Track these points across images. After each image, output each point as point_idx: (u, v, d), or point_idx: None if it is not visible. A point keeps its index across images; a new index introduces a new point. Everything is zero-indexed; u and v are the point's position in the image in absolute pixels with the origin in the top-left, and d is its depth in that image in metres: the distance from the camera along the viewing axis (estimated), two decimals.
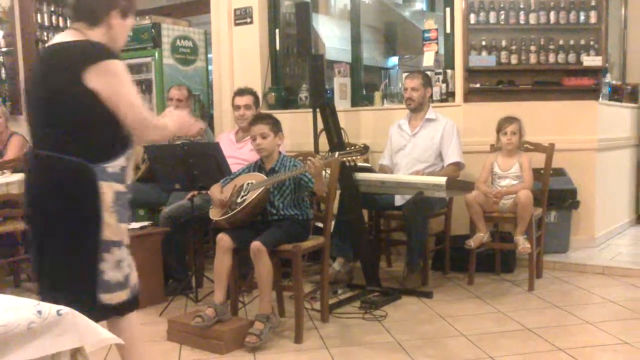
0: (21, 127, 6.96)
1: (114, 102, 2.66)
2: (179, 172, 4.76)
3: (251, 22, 7.33)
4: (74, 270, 2.72)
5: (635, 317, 4.35)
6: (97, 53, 2.67)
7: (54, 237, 2.71)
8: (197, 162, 4.70)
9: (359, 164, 5.13)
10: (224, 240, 4.04)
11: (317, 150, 5.68)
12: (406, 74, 6.06)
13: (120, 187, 2.77)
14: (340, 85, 6.75)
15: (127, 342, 2.70)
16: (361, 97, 6.89)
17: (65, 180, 2.68)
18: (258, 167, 4.33)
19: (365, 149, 4.14)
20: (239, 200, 4.11)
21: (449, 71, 6.18)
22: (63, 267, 2.72)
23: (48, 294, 2.64)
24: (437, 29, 6.32)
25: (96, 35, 2.76)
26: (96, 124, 2.70)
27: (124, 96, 2.69)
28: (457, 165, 5.33)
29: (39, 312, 1.79)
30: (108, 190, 2.71)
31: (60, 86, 2.67)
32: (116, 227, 2.75)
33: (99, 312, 2.67)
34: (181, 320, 4.12)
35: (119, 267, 2.81)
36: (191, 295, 4.86)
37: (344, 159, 4.07)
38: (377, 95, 6.72)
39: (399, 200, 5.26)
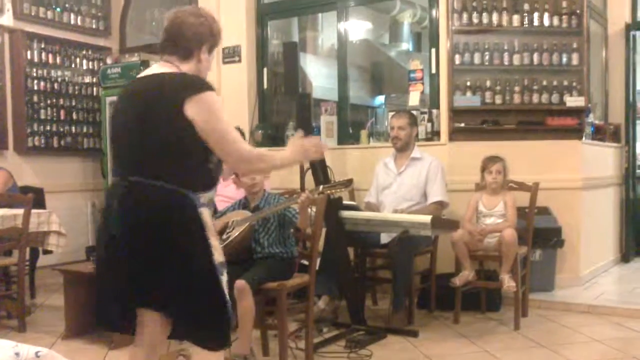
0: (6, 162, 6.98)
1: (207, 132, 2.68)
2: None
3: (239, 61, 7.40)
4: (200, 295, 2.71)
5: (621, 356, 4.34)
6: (198, 84, 2.73)
7: (166, 265, 2.66)
8: None
9: (345, 202, 5.18)
10: None
11: (302, 189, 5.69)
12: (392, 112, 6.12)
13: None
14: (327, 123, 6.80)
15: None
16: (347, 135, 6.95)
17: (173, 208, 2.67)
18: (243, 205, 4.34)
19: (349, 182, 4.17)
20: (223, 237, 4.11)
21: (434, 111, 6.25)
22: (187, 294, 2.69)
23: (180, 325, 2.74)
24: (422, 69, 6.41)
25: (187, 68, 2.83)
26: (193, 154, 2.72)
27: (217, 127, 2.71)
28: (440, 204, 5.36)
29: (17, 354, 1.76)
30: (207, 217, 2.76)
31: (161, 115, 2.69)
32: (220, 250, 2.80)
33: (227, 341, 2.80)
34: (164, 359, 4.09)
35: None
36: None
37: (328, 192, 4.09)
38: (364, 133, 6.77)
39: (384, 238, 5.26)
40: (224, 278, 2.78)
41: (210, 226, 2.76)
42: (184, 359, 3.89)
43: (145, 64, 7.31)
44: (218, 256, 2.76)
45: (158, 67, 2.86)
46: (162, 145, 2.69)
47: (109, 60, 8.06)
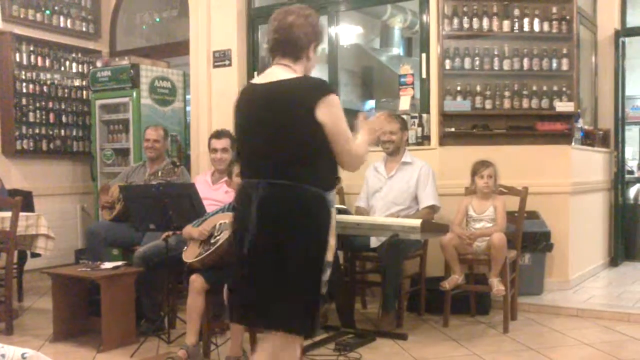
0: None
1: (334, 133, 2.82)
2: (154, 213, 4.74)
3: (230, 65, 7.40)
4: (308, 293, 2.84)
5: (609, 359, 4.36)
6: (324, 88, 2.87)
7: (289, 259, 2.79)
8: (173, 202, 4.68)
9: (336, 206, 5.16)
10: (197, 281, 4.03)
11: None
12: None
13: None
14: None
15: None
16: None
17: (311, 208, 2.81)
18: (232, 208, 4.32)
19: (338, 179, 4.14)
20: (212, 240, 4.10)
21: (424, 115, 6.26)
22: (295, 288, 2.82)
23: (266, 316, 2.85)
24: (413, 74, 6.43)
25: (299, 68, 2.95)
26: (323, 155, 2.86)
27: (342, 128, 2.85)
28: (432, 208, 5.37)
29: (3, 355, 1.76)
30: (334, 216, 2.90)
31: (294, 120, 2.82)
32: (333, 249, 2.90)
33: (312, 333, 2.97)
34: None
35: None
36: (163, 336, 4.80)
37: None
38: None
39: (374, 242, 5.26)
40: (327, 275, 2.88)
41: (334, 225, 2.88)
42: None
43: (135, 67, 7.31)
44: (330, 255, 2.87)
45: (277, 70, 2.94)
46: (298, 148, 2.83)
47: (98, 64, 8.03)
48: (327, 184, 2.89)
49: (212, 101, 7.47)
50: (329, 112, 2.80)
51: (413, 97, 6.44)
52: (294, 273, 2.79)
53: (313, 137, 2.81)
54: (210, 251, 4.07)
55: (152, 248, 5.05)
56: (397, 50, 9.34)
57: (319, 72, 7.93)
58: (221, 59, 7.45)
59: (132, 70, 7.34)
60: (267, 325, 2.93)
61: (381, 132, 3.18)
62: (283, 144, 2.84)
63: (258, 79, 3.05)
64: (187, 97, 7.89)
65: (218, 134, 5.44)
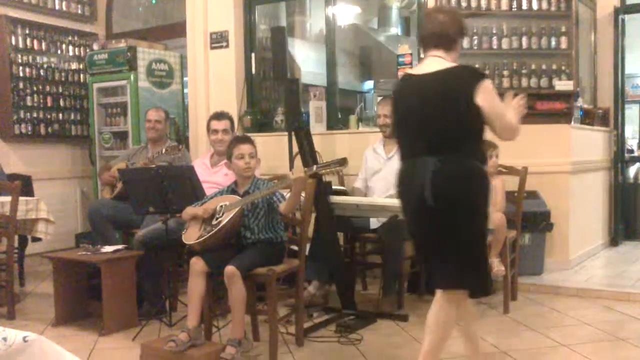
0: None
1: (492, 113, 3.17)
2: (153, 195, 4.73)
3: (227, 46, 7.37)
4: (479, 256, 3.30)
5: (609, 339, 4.37)
6: (479, 74, 3.27)
7: (464, 227, 3.20)
8: (172, 185, 4.68)
9: (335, 187, 5.17)
10: (197, 264, 4.01)
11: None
12: (381, 97, 6.10)
13: None
14: (315, 108, 6.78)
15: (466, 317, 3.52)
16: (336, 120, 6.93)
17: (477, 179, 3.23)
18: (231, 190, 4.32)
19: (343, 161, 4.14)
20: (213, 222, 4.10)
21: None
22: (480, 248, 3.30)
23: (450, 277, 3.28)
24: (411, 54, 6.38)
25: (451, 58, 3.35)
26: (481, 134, 3.28)
27: (498, 107, 3.21)
28: None
29: (4, 339, 1.75)
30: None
31: (460, 104, 3.17)
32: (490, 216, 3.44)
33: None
34: (154, 345, 4.08)
35: None
36: (165, 319, 4.81)
37: (322, 172, 4.08)
38: (353, 118, 6.76)
39: (374, 223, 5.26)
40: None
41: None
42: (174, 344, 3.87)
43: (132, 50, 7.27)
44: (489, 224, 3.40)
45: (434, 61, 3.32)
46: (463, 128, 3.22)
47: (95, 47, 8.00)
48: (484, 158, 3.34)
49: (210, 83, 7.45)
50: (485, 96, 3.16)
51: None
52: (471, 232, 3.25)
53: (475, 117, 3.18)
54: (212, 232, 4.05)
55: (152, 231, 5.05)
56: (395, 29, 9.30)
57: (316, 51, 7.91)
58: (218, 40, 7.41)
59: (129, 53, 7.31)
60: (446, 286, 3.32)
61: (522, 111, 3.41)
62: (450, 124, 3.22)
63: (416, 70, 3.47)
64: (185, 79, 7.86)
65: (218, 116, 5.43)
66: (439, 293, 3.36)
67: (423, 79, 3.32)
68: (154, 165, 5.11)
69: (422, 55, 6.24)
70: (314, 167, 4.10)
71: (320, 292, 5.22)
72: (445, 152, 3.19)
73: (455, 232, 3.20)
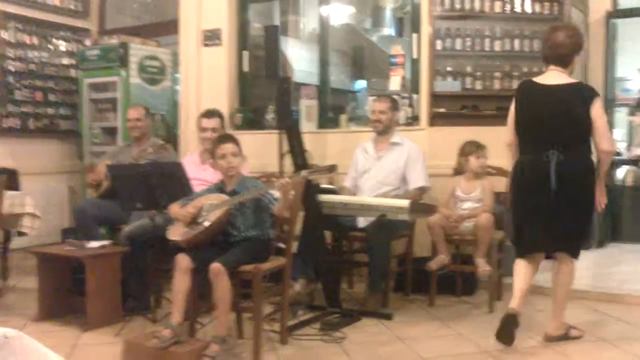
0: None
1: (599, 125, 4.06)
2: (141, 192, 4.71)
3: (220, 44, 7.36)
4: (590, 223, 4.38)
5: (592, 339, 4.38)
6: (595, 93, 4.14)
7: (582, 204, 4.15)
8: (160, 181, 4.66)
9: (323, 185, 5.16)
10: (183, 260, 4.00)
11: (282, 172, 5.68)
12: (373, 97, 6.11)
13: None
14: (307, 107, 6.78)
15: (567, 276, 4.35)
16: (328, 119, 6.93)
17: (589, 170, 4.15)
18: (219, 188, 4.31)
19: (332, 168, 4.15)
20: (199, 220, 4.09)
21: (414, 95, 6.24)
22: (588, 223, 4.33)
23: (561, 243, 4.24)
24: (404, 54, 6.40)
25: (568, 72, 4.19)
26: (589, 137, 4.13)
27: (604, 121, 4.10)
28: (422, 189, 5.37)
29: None
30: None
31: (581, 113, 4.05)
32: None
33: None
34: (137, 341, 4.05)
35: None
36: (149, 315, 4.80)
37: (311, 177, 4.08)
38: (344, 118, 6.76)
39: (362, 222, 5.25)
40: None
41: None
42: (157, 341, 3.85)
43: (124, 46, 7.28)
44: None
45: (555, 75, 4.17)
46: (581, 131, 4.10)
47: (87, 42, 7.99)
48: (591, 154, 4.18)
49: (202, 80, 7.43)
50: (596, 110, 4.05)
51: (403, 78, 6.41)
52: (584, 208, 4.17)
53: (588, 124, 4.05)
54: (197, 231, 4.05)
55: (138, 227, 5.03)
56: (389, 30, 9.31)
57: (308, 50, 7.91)
58: (211, 38, 7.41)
59: (121, 49, 7.31)
60: (561, 249, 4.26)
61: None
62: (571, 128, 4.10)
63: (542, 80, 4.23)
64: (177, 76, 7.85)
65: (208, 113, 5.42)
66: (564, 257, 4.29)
67: (550, 89, 4.15)
68: (143, 161, 5.10)
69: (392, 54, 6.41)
70: (302, 173, 4.09)
71: (306, 290, 5.20)
72: (568, 147, 4.08)
73: (570, 207, 4.08)
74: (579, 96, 4.10)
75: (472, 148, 5.22)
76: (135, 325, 4.70)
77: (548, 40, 4.22)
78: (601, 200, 4.23)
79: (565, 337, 4.32)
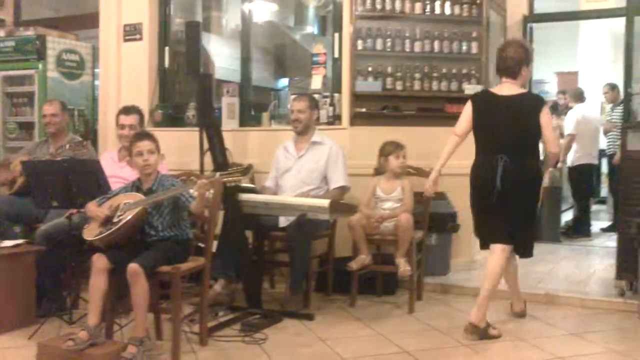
0: None
1: (547, 131, 4.52)
2: (58, 189, 4.61)
3: (140, 39, 7.24)
4: (533, 224, 4.75)
5: (510, 338, 4.49)
6: (542, 102, 4.65)
7: (524, 207, 4.55)
8: (77, 179, 4.57)
9: (244, 184, 5.13)
10: (100, 260, 3.93)
11: (202, 170, 5.62)
12: (294, 96, 6.11)
13: None
14: (228, 104, 6.73)
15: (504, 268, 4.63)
16: (249, 117, 6.90)
17: (535, 174, 4.57)
18: (136, 187, 4.24)
19: (247, 170, 4.13)
20: (115, 220, 4.01)
21: (336, 95, 6.26)
22: (530, 224, 4.71)
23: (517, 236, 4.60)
24: (325, 53, 6.41)
25: (519, 82, 4.63)
26: (537, 142, 4.62)
27: (549, 127, 4.54)
28: (342, 189, 5.39)
29: None
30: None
31: (530, 121, 4.50)
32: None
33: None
34: (52, 344, 3.96)
35: None
36: (65, 316, 4.68)
37: (225, 179, 4.04)
38: (265, 115, 6.74)
39: (283, 221, 5.24)
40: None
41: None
42: (72, 343, 3.77)
43: (41, 39, 7.09)
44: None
45: (508, 86, 4.61)
46: (529, 138, 4.54)
47: (1, 33, 7.72)
48: (539, 160, 4.72)
49: (122, 76, 7.30)
50: (544, 118, 4.51)
51: (325, 77, 6.43)
52: (525, 211, 4.56)
53: (536, 131, 4.50)
54: (111, 230, 3.98)
55: (55, 226, 4.91)
56: (312, 28, 9.29)
57: (230, 47, 7.84)
58: (132, 32, 7.28)
59: (37, 42, 7.11)
60: (509, 242, 4.56)
61: None
62: (520, 134, 4.51)
63: (496, 90, 4.70)
64: (96, 70, 7.68)
65: (127, 110, 5.34)
66: (498, 246, 4.55)
67: (502, 99, 4.60)
68: (59, 159, 4.97)
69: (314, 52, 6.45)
70: (217, 175, 4.06)
71: (227, 291, 5.17)
72: (516, 153, 4.46)
73: (515, 207, 4.48)
74: (528, 105, 4.56)
75: (392, 148, 5.27)
76: (50, 327, 4.58)
77: (499, 56, 4.69)
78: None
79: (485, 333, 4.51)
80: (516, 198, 4.46)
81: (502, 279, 4.67)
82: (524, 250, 4.68)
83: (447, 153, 4.77)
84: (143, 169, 4.18)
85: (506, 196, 4.43)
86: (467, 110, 4.72)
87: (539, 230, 7.68)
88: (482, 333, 4.44)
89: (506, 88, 4.63)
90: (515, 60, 4.57)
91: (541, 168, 4.66)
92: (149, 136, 4.29)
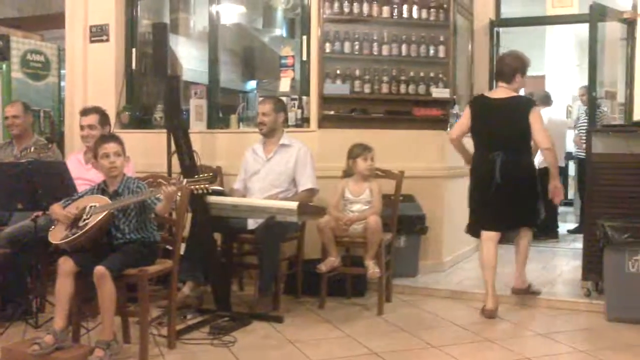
0: None
1: (536, 128, 5.02)
2: (22, 191, 4.56)
3: (107, 40, 7.18)
4: (534, 205, 5.21)
5: (477, 339, 4.52)
6: (532, 103, 5.24)
7: (523, 194, 5.09)
8: (42, 180, 4.52)
9: (212, 187, 5.10)
10: (66, 263, 3.89)
11: (170, 172, 5.59)
12: (262, 97, 6.10)
13: None
14: (196, 106, 6.70)
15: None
16: (217, 119, 6.87)
17: (529, 168, 5.18)
18: (101, 189, 4.20)
19: (213, 178, 4.13)
20: (80, 223, 3.97)
21: (304, 97, 6.26)
22: (532, 205, 5.19)
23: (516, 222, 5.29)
24: (293, 56, 6.41)
25: (512, 88, 5.22)
26: (529, 139, 5.11)
27: (538, 124, 5.04)
28: (311, 192, 5.39)
29: None
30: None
31: (521, 120, 5.04)
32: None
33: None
34: (17, 348, 3.91)
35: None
36: (31, 320, 4.62)
37: (191, 186, 4.02)
38: (233, 118, 6.72)
39: (251, 224, 5.23)
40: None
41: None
42: (38, 347, 3.71)
43: (4, 39, 6.98)
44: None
45: (502, 90, 5.24)
46: (521, 136, 5.08)
47: None
48: (531, 155, 5.23)
49: (88, 77, 7.23)
50: (534, 117, 5.04)
51: (293, 79, 6.43)
52: (525, 198, 5.11)
53: (527, 130, 5.03)
54: (77, 234, 3.93)
55: (20, 228, 4.84)
56: (280, 31, 9.28)
57: (198, 49, 7.81)
58: (98, 34, 7.21)
59: (1, 42, 7.02)
60: (514, 227, 5.32)
61: None
62: (514, 133, 5.07)
63: (490, 94, 5.48)
64: (62, 72, 7.60)
65: (85, 111, 5.32)
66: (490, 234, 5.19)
67: (497, 101, 5.19)
68: (24, 160, 4.91)
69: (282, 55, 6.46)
70: (184, 182, 4.04)
71: (195, 293, 5.14)
72: (511, 149, 5.03)
73: (514, 195, 5.04)
74: (519, 106, 5.12)
75: (360, 150, 5.28)
76: (15, 331, 4.52)
77: (498, 62, 5.48)
78: (555, 195, 5.16)
79: (528, 291, 5.45)
80: (514, 188, 5.01)
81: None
82: (532, 222, 5.31)
83: (464, 151, 5.48)
84: (109, 171, 4.15)
85: (504, 188, 4.98)
86: (466, 115, 5.31)
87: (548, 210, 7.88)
88: (526, 292, 5.45)
89: (500, 91, 5.27)
90: (511, 67, 5.19)
91: (534, 162, 5.26)
92: (115, 138, 4.26)
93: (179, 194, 4.18)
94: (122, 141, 4.26)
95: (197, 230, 5.01)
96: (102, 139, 4.32)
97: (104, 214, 3.96)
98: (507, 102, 5.14)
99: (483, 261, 5.20)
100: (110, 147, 4.15)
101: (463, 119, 5.35)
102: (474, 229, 5.38)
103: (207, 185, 4.05)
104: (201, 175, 4.15)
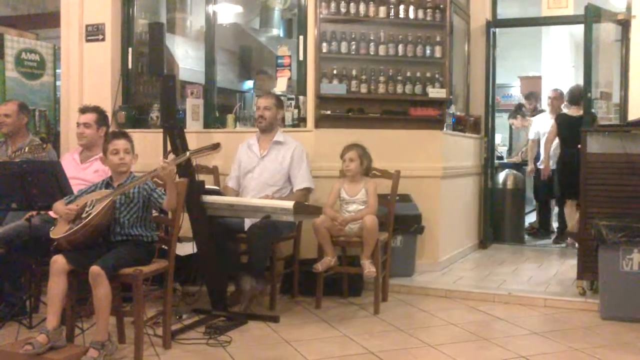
0: None
1: None
2: (17, 191, 4.52)
3: (103, 39, 7.16)
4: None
5: (473, 339, 4.51)
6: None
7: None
8: (37, 180, 4.49)
9: (208, 186, 5.10)
10: (58, 262, 3.85)
11: None
12: (259, 95, 6.09)
13: None
14: (192, 106, 6.68)
15: None
16: (214, 119, 6.85)
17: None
18: (106, 184, 4.19)
19: (216, 145, 4.14)
20: (83, 215, 3.95)
21: (301, 97, 6.26)
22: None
23: None
24: (290, 56, 6.41)
25: (577, 108, 7.27)
26: None
27: None
28: (307, 191, 5.38)
29: None
30: None
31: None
32: None
33: None
34: (9, 349, 3.88)
35: None
36: (24, 321, 4.60)
37: (196, 156, 4.05)
38: (230, 117, 6.70)
39: (248, 224, 5.20)
40: None
41: None
42: (31, 347, 3.69)
43: None
44: None
45: (574, 110, 7.37)
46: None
47: None
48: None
49: (84, 77, 7.22)
50: None
51: (290, 79, 6.42)
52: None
53: None
54: (81, 225, 3.90)
55: (14, 228, 4.82)
56: (277, 31, 9.27)
57: (195, 49, 7.80)
58: (94, 33, 7.19)
59: None
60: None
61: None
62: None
63: (569, 112, 7.60)
64: (58, 71, 7.58)
65: (84, 109, 5.30)
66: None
67: (573, 118, 7.16)
68: (18, 160, 4.89)
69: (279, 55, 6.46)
70: (187, 154, 4.06)
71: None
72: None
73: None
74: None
75: (343, 151, 5.27)
76: (8, 331, 4.50)
77: (571, 91, 7.70)
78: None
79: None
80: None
81: None
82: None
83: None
84: (118, 167, 4.15)
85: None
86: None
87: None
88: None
89: (574, 111, 7.53)
90: (578, 94, 7.29)
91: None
92: (125, 135, 4.28)
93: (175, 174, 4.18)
94: (132, 139, 4.26)
95: (194, 230, 4.98)
96: (112, 135, 4.32)
97: (108, 200, 3.95)
98: (578, 120, 7.07)
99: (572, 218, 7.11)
100: (121, 143, 4.16)
101: (552, 127, 7.88)
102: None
103: (210, 152, 4.07)
104: (203, 145, 4.18)
